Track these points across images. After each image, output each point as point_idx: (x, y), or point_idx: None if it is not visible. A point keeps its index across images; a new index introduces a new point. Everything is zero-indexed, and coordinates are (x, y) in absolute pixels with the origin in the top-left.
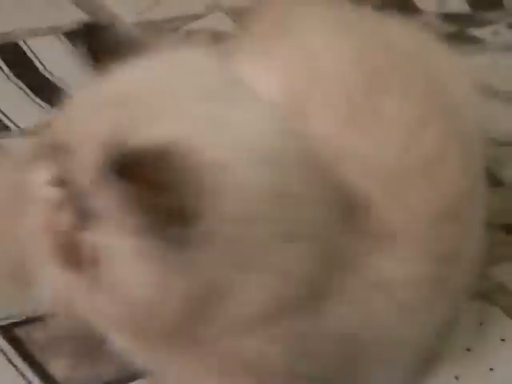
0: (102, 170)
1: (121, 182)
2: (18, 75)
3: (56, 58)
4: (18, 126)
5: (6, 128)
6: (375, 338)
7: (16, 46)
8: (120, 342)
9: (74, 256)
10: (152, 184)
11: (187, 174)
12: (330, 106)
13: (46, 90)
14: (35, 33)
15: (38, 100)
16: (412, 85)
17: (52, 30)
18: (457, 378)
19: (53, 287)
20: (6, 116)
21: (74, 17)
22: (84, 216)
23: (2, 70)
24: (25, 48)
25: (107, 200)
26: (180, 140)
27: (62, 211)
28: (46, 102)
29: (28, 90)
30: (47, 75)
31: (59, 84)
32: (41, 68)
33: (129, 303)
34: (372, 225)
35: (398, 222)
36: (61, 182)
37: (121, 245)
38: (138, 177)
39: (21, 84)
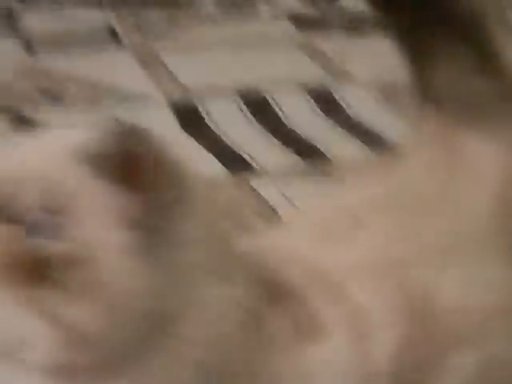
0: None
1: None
2: (261, 121)
3: (298, 112)
4: (262, 167)
5: (252, 168)
6: None
7: (259, 94)
8: None
9: (34, 270)
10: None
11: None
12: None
13: (286, 136)
14: (279, 85)
15: (278, 144)
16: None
17: (296, 86)
18: None
19: None
20: (250, 157)
21: (313, 73)
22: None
23: (246, 116)
24: (269, 98)
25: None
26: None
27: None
28: (286, 146)
29: (270, 135)
30: (287, 124)
31: (301, 134)
32: (283, 118)
33: (113, 306)
34: (305, 315)
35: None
36: None
37: (107, 240)
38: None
39: (263, 130)
